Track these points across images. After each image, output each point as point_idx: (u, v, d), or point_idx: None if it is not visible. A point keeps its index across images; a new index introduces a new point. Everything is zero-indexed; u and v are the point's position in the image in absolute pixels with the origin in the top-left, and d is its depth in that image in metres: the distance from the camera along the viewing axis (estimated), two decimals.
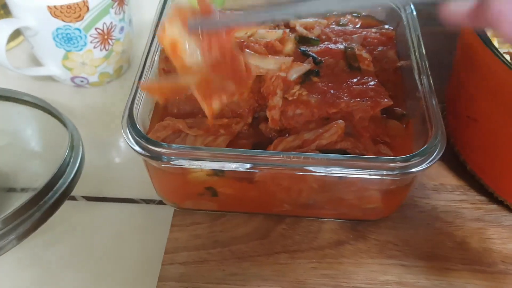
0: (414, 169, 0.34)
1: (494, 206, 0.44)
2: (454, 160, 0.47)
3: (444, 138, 0.35)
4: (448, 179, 0.46)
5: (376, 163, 0.34)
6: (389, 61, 0.44)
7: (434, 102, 0.37)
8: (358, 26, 0.49)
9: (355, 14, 0.50)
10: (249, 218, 0.43)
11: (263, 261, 0.40)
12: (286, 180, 0.38)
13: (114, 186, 0.47)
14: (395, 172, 0.34)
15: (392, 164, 0.34)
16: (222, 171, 0.36)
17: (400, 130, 0.41)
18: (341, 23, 0.49)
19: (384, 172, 0.34)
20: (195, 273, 0.39)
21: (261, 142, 0.39)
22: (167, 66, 0.42)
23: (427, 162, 0.34)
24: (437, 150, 0.34)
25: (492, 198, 0.44)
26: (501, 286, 0.39)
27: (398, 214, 0.43)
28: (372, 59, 0.43)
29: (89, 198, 0.46)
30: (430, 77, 0.40)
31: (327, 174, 0.35)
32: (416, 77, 0.40)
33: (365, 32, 0.46)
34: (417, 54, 0.42)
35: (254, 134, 0.41)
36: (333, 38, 0.45)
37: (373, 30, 0.47)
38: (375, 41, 0.46)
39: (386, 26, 0.49)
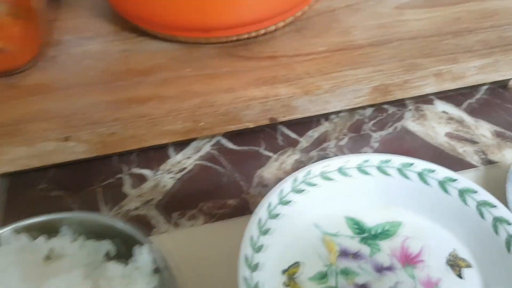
0: None
1: (141, 38, 0.50)
2: (111, 14, 0.52)
3: None
4: (104, 28, 0.52)
5: None
6: None
7: None
8: None
9: None
10: None
11: None
12: None
13: None
14: None
15: None
16: None
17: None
18: None
19: None
20: None
21: None
22: None
23: None
24: None
25: (140, 32, 0.50)
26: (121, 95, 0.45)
27: (49, 63, 0.48)
28: None
29: None
30: None
31: None
32: None
33: None
34: None
35: None
36: None
37: None
38: None
39: None
